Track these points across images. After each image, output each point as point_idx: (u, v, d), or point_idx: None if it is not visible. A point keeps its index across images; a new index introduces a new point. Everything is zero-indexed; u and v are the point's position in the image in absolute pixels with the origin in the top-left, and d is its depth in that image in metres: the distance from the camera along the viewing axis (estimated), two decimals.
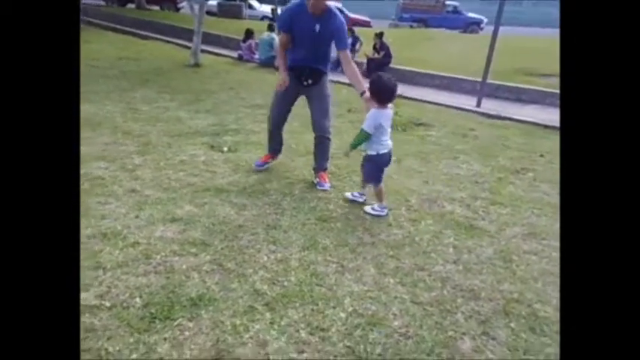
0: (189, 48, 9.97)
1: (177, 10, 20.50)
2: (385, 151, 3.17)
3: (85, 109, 5.20)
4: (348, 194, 3.47)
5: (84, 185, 3.30)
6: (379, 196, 3.26)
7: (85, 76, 6.83)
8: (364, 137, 3.11)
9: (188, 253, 2.54)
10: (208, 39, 10.11)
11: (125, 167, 3.74)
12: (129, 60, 8.80)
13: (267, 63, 9.65)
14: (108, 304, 2.01)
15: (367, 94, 3.16)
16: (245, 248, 2.62)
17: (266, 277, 2.34)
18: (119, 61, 8.56)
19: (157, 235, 2.71)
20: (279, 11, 15.85)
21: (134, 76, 7.41)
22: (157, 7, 19.98)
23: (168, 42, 11.84)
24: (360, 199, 3.40)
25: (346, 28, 3.50)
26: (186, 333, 1.91)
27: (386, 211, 3.23)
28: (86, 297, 2.07)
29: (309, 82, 3.56)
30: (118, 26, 13.39)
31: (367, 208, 3.26)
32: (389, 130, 3.17)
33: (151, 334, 1.88)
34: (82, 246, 2.50)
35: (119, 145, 4.25)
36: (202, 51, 9.47)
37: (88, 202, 3.05)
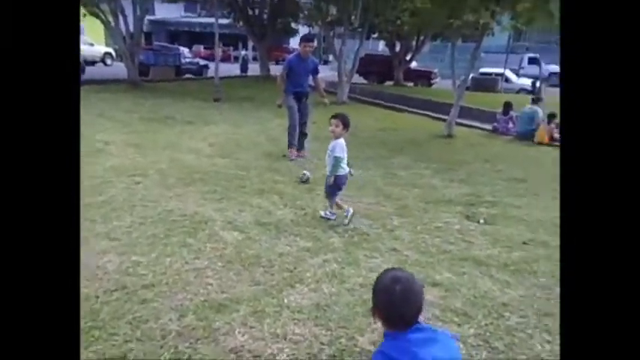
0: (441, 120, 10.39)
1: (430, 85, 21.85)
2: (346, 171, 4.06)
3: None
4: (321, 212, 4.18)
5: (353, 239, 3.71)
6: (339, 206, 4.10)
7: (350, 144, 7.79)
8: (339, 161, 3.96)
9: (451, 321, 2.51)
10: (461, 111, 10.34)
11: (386, 227, 4.04)
12: (387, 130, 9.72)
13: (525, 136, 9.19)
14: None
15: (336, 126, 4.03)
16: (514, 330, 2.43)
17: None
18: (379, 132, 9.54)
19: None
20: (538, 84, 15.10)
21: (392, 145, 8.10)
22: (411, 84, 21.79)
23: (421, 114, 12.65)
24: (332, 217, 4.08)
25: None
26: None
27: (335, 216, 4.09)
28: (362, 341, 2.27)
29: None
30: (379, 101, 15.10)
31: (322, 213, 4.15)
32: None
33: None
34: (354, 294, 2.78)
35: (380, 205, 4.65)
36: (455, 123, 9.72)
37: (357, 253, 3.41)
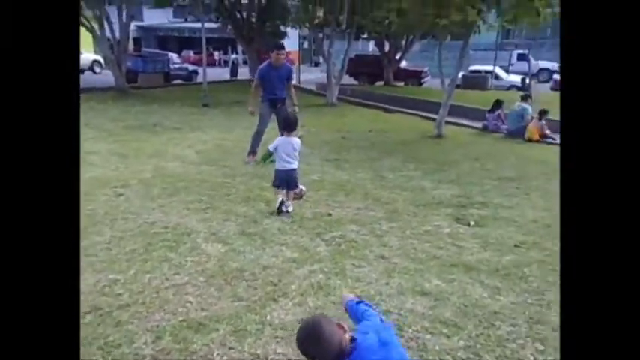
0: (431, 119, 10.31)
1: (421, 84, 21.79)
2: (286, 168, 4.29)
3: (339, 175, 5.83)
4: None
5: (341, 246, 3.61)
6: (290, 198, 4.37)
7: (340, 147, 7.75)
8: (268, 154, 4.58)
9: (440, 333, 2.42)
10: (451, 110, 10.28)
11: (374, 232, 3.94)
12: (377, 132, 9.62)
13: (516, 133, 9.14)
14: None
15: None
16: (505, 340, 2.34)
17: None
18: (368, 133, 9.45)
19: (407, 307, 2.70)
20: (527, 81, 15.10)
21: (381, 146, 8.02)
22: (402, 83, 21.72)
23: (412, 114, 12.57)
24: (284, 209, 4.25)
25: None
26: None
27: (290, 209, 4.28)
28: None
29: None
30: (369, 102, 15.00)
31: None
32: (295, 153, 4.30)
33: None
34: (340, 307, 2.68)
35: (369, 210, 4.55)
36: (445, 122, 9.65)
37: (344, 262, 3.31)
